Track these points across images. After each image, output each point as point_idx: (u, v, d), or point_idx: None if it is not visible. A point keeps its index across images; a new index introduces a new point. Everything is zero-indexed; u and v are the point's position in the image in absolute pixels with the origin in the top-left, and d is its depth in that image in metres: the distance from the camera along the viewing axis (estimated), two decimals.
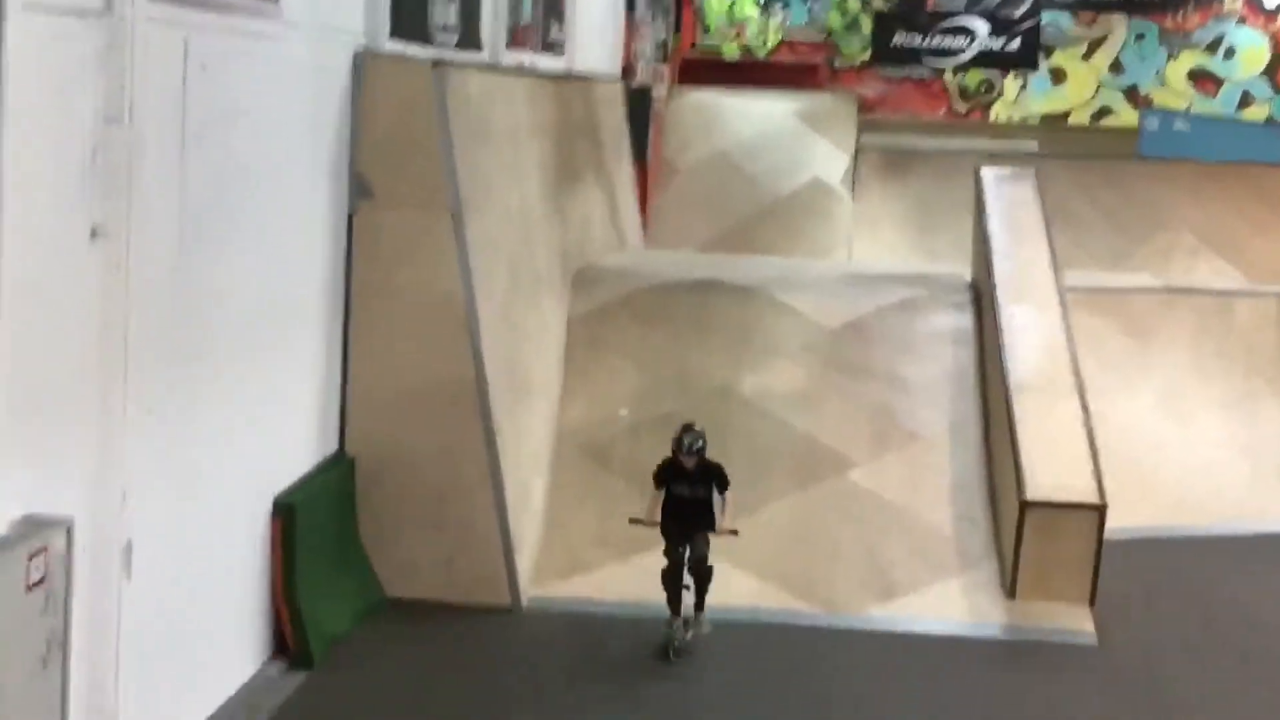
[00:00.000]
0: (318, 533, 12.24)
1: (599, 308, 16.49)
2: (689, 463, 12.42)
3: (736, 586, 13.44)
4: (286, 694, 11.50)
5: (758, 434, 15.23)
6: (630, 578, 13.49)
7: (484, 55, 15.97)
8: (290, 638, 11.93)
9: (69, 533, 8.35)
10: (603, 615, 13.18)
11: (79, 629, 8.53)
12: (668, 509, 12.46)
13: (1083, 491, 13.82)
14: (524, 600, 13.41)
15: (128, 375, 9.06)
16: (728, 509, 12.43)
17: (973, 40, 25.06)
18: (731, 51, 26.40)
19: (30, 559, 7.98)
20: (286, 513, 11.82)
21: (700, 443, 12.46)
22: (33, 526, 8.13)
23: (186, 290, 10.01)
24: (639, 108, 22.49)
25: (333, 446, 12.99)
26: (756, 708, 11.66)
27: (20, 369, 8.05)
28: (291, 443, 12.25)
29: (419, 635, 12.61)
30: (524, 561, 13.59)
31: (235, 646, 11.40)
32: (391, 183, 12.93)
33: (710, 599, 12.64)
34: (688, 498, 12.43)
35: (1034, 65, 25.51)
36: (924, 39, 25.22)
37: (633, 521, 12.57)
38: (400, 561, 13.22)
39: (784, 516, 14.46)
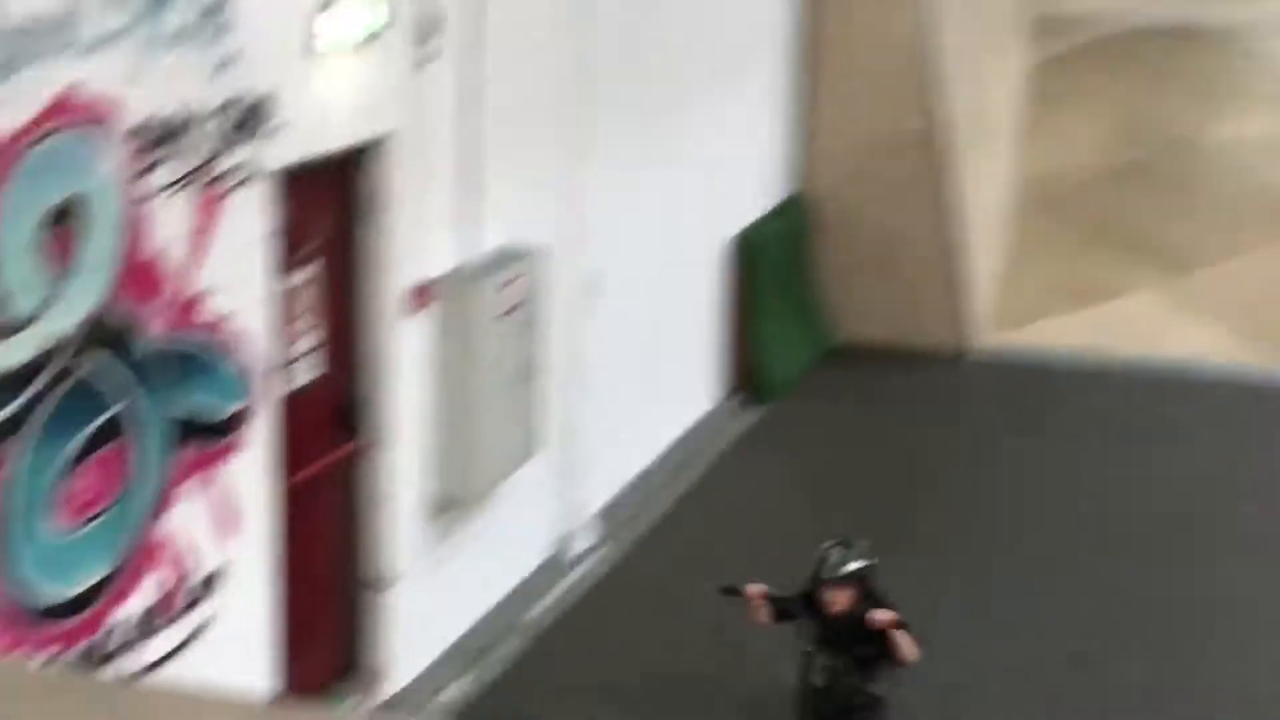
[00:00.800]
0: (775, 273, 12.48)
1: (1059, 55, 16.02)
2: (837, 601, 7.07)
3: (1199, 339, 13.09)
4: (742, 427, 11.90)
5: (1225, 184, 14.66)
6: (1081, 328, 13.31)
7: None
8: (746, 375, 12.29)
9: (541, 262, 8.78)
10: (1050, 365, 13.05)
11: (552, 351, 9.00)
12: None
13: None
14: (973, 347, 13.39)
15: (597, 113, 9.36)
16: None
17: None
18: None
19: (506, 286, 8.44)
20: (746, 252, 12.09)
21: (857, 565, 7.12)
22: (509, 255, 8.57)
23: (650, 32, 10.22)
24: None
25: (791, 188, 13.15)
26: (1219, 472, 11.41)
27: (501, 106, 8.41)
28: (751, 183, 12.46)
29: (868, 378, 12.77)
30: (975, 309, 13.54)
31: (695, 379, 11.81)
32: None
33: (1170, 352, 12.29)
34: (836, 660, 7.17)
35: None
36: None
37: (726, 593, 7.55)
38: (853, 305, 13.35)
39: (1253, 270, 13.93)
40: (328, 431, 7.66)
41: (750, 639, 8.84)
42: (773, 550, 9.89)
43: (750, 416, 12.11)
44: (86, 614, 5.84)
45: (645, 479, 10.73)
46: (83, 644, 5.81)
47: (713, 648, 8.76)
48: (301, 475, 7.30)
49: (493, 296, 8.33)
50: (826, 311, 13.39)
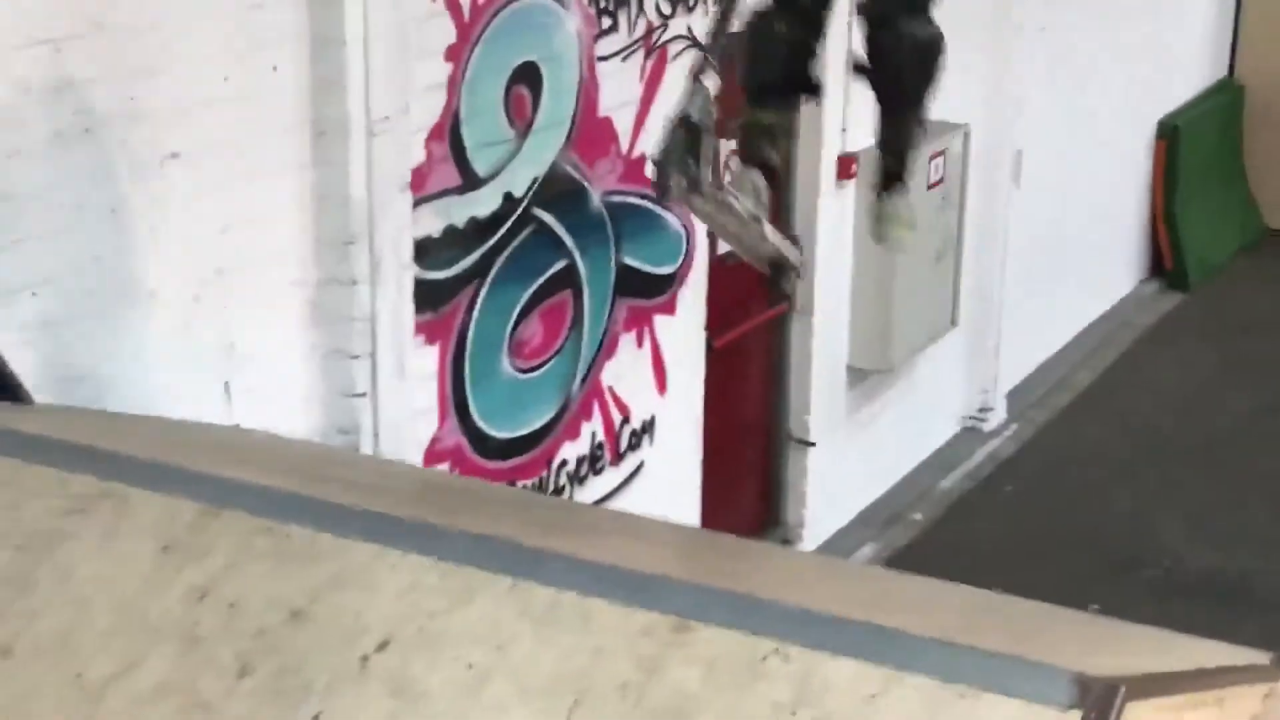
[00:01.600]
0: (1202, 158, 12.18)
1: None
2: None
3: None
4: (1160, 313, 11.72)
5: None
6: None
7: None
8: (1167, 260, 12.07)
9: (966, 138, 8.82)
10: None
11: (971, 228, 9.06)
12: None
13: None
14: None
15: None
16: None
17: None
18: None
19: (931, 160, 8.52)
20: (1171, 135, 11.83)
21: None
22: (935, 129, 8.61)
23: None
24: None
25: (1222, 72, 12.77)
26: None
27: None
28: (1180, 66, 12.15)
29: None
30: None
31: (1113, 263, 11.67)
32: None
33: None
34: None
35: None
36: None
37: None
38: None
39: None
40: (754, 295, 7.91)
41: (1162, 524, 8.82)
42: (1184, 439, 9.80)
43: (1169, 303, 11.92)
44: (535, 452, 6.27)
45: (1058, 360, 10.71)
46: (531, 480, 6.24)
47: (1123, 531, 8.77)
48: (728, 336, 7.58)
49: (919, 169, 8.40)
50: (1254, 199, 13.00)
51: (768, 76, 4.28)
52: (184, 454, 3.60)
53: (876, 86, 4.35)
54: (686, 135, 3.92)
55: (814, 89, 4.42)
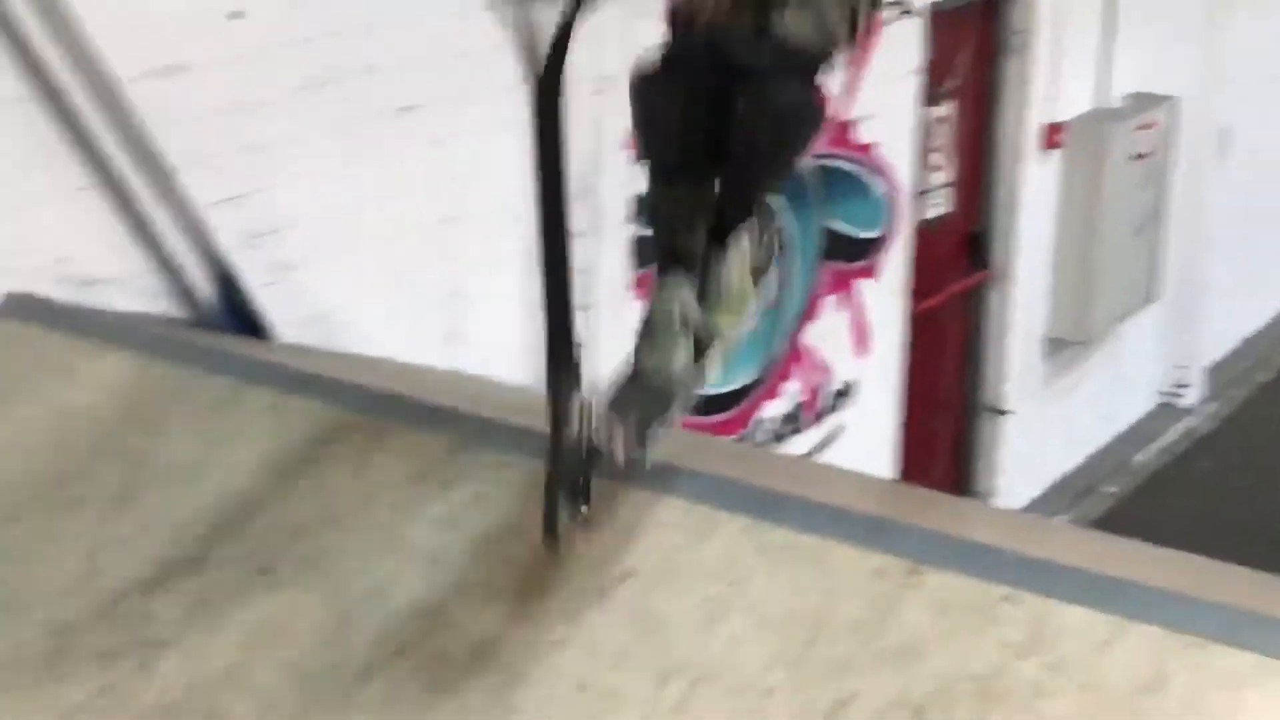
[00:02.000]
0: None
1: None
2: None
3: None
4: None
5: None
6: None
7: None
8: None
9: (1174, 110, 8.74)
10: None
11: (1175, 202, 8.97)
12: None
13: None
14: None
15: None
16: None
17: None
18: None
19: (1138, 131, 8.47)
20: None
21: None
22: (1143, 101, 8.58)
23: None
24: None
25: None
26: None
27: None
28: None
29: None
30: None
31: None
32: None
33: None
34: None
35: None
36: None
37: None
38: None
39: None
40: (955, 263, 7.95)
41: None
42: None
43: None
44: (737, 409, 6.38)
45: (1260, 338, 10.56)
46: (733, 436, 6.36)
47: None
48: (927, 302, 7.62)
49: (1125, 141, 8.38)
50: None
51: (674, 151, 3.33)
52: (423, 392, 3.76)
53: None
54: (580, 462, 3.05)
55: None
